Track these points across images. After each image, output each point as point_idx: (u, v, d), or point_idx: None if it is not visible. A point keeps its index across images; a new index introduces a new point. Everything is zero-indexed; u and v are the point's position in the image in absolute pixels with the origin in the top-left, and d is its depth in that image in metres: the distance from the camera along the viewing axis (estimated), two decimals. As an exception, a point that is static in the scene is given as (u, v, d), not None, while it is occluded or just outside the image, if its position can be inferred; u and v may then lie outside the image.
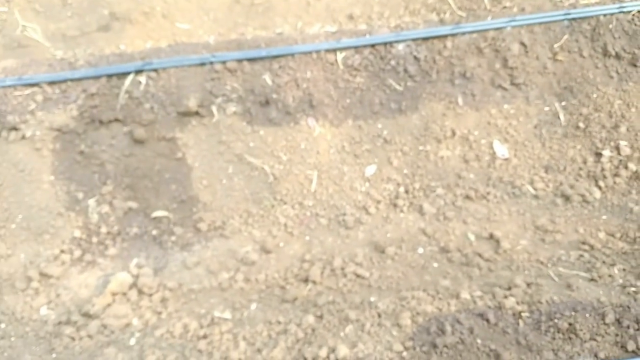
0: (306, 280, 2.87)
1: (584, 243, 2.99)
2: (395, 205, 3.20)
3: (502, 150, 3.27)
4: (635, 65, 3.33)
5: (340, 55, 3.33)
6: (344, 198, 3.23)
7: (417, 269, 2.90)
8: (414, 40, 3.38)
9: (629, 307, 2.39)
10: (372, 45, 3.36)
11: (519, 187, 3.22)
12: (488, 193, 3.21)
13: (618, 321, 2.34)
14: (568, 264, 2.85)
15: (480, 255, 2.94)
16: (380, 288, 2.79)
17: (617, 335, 2.30)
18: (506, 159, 3.28)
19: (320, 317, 2.54)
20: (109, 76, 3.18)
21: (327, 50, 3.34)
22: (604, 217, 3.12)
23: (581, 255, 2.89)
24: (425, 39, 3.37)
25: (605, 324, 2.34)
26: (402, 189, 3.24)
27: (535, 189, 3.23)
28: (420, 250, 3.01)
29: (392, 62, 3.32)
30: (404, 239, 3.07)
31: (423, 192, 3.23)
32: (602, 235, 3.03)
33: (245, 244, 3.08)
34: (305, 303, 2.70)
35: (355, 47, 3.38)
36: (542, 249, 2.97)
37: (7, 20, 3.53)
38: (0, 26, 3.54)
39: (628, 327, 2.32)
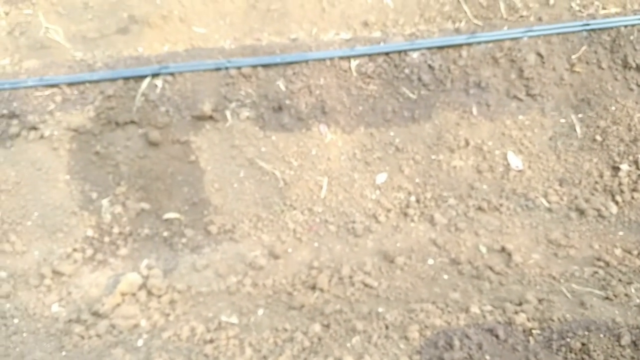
0: (314, 288, 2.78)
1: (599, 259, 2.84)
2: (405, 215, 3.10)
3: (516, 161, 3.14)
4: (656, 78, 3.17)
5: (354, 63, 3.24)
6: (353, 205, 3.13)
7: (427, 281, 2.79)
8: (428, 48, 3.28)
9: (645, 329, 2.24)
10: (386, 53, 3.27)
11: (533, 200, 3.09)
12: (501, 205, 3.08)
13: (634, 343, 2.20)
14: (582, 280, 2.71)
15: (491, 269, 2.81)
16: (388, 299, 2.69)
17: (633, 358, 2.15)
18: (520, 171, 3.14)
19: (327, 326, 2.45)
20: (126, 79, 3.15)
21: (341, 58, 3.27)
22: (621, 233, 2.97)
23: (596, 272, 2.75)
24: (440, 47, 3.27)
25: (620, 345, 2.19)
26: (413, 198, 3.14)
27: (549, 202, 3.09)
28: (431, 261, 2.90)
29: (406, 71, 3.22)
30: (413, 249, 2.96)
31: (434, 202, 3.12)
32: (618, 251, 2.88)
33: (254, 248, 3.01)
34: (312, 311, 2.61)
35: (369, 55, 3.29)
36: (554, 264, 2.83)
37: (31, 23, 3.54)
38: (25, 28, 3.55)
39: (644, 349, 2.17)
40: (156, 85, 3.13)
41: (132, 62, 3.17)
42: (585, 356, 2.17)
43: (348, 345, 2.27)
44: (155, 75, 3.14)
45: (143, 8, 3.44)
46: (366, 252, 2.98)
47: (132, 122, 3.16)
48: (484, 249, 2.92)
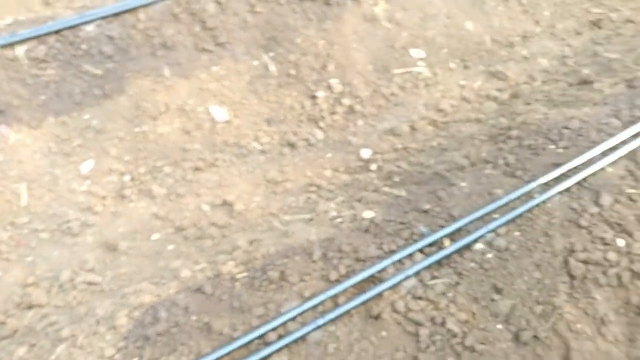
0: (30, 307, 2.71)
1: (312, 185, 3.27)
2: (123, 197, 3.15)
3: (221, 113, 3.38)
4: (329, 4, 3.61)
5: (20, 49, 3.06)
6: (63, 204, 3.07)
7: (152, 257, 2.91)
8: (103, 18, 3.24)
9: (333, 239, 2.66)
10: (57, 32, 3.14)
11: (246, 146, 3.39)
12: (216, 159, 3.31)
13: (324, 255, 2.59)
14: (296, 209, 3.10)
15: (215, 224, 3.05)
16: (112, 290, 2.75)
17: (322, 269, 2.54)
18: (227, 122, 3.39)
19: (34, 345, 2.43)
20: None
21: (3, 46, 3.05)
22: (329, 155, 3.44)
23: (309, 198, 3.17)
24: (116, 14, 3.25)
25: (313, 261, 2.57)
26: (127, 178, 3.19)
27: (261, 144, 3.42)
28: (155, 236, 3.03)
29: (84, 46, 3.16)
30: (137, 230, 3.05)
31: (150, 175, 3.22)
32: (328, 173, 3.34)
33: (-50, 289, 2.79)
34: (24, 334, 2.56)
35: (37, 37, 3.14)
36: (274, 201, 3.18)
37: None
38: None
39: (332, 258, 2.58)
40: None
41: None
42: (283, 282, 2.50)
43: (52, 358, 2.30)
44: None
45: None
46: (87, 248, 2.98)
47: None
48: (206, 208, 3.14)
